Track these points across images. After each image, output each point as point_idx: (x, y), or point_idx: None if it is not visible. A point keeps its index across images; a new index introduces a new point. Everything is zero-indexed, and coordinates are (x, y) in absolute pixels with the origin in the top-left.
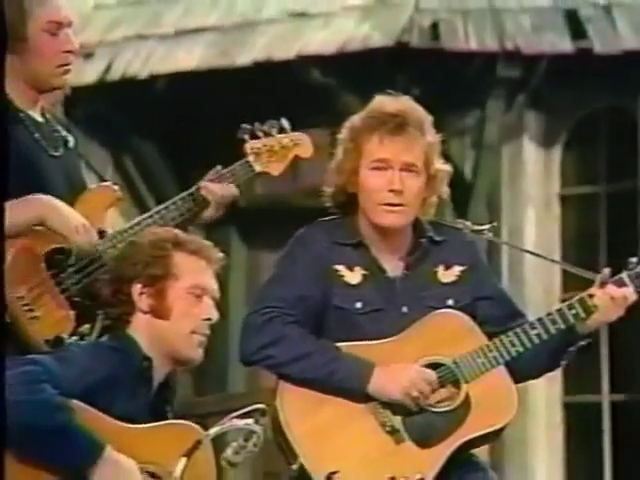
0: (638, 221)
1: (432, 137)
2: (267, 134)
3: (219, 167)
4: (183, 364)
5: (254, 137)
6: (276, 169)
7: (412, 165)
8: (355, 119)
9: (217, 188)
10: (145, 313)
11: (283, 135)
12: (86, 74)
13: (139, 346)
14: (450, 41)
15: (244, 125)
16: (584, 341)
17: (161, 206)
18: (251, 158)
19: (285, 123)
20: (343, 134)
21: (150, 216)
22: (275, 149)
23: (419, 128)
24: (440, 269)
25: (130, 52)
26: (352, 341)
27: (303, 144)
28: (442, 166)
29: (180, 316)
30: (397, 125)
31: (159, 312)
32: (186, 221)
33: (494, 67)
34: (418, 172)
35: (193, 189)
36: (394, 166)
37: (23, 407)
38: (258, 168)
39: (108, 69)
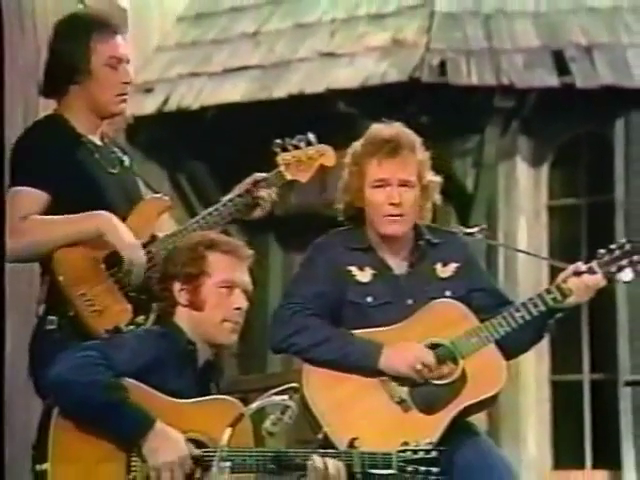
0: (613, 227)
1: (422, 155)
2: (296, 147)
3: (257, 173)
4: (219, 347)
5: (285, 150)
6: (304, 177)
7: (407, 181)
8: (356, 145)
9: (266, 193)
10: (184, 306)
11: (310, 147)
12: (147, 106)
13: (184, 332)
14: (455, 77)
15: (276, 140)
16: (560, 315)
17: (205, 211)
18: (282, 168)
19: (311, 137)
20: (347, 159)
21: (196, 221)
22: (303, 159)
23: (411, 149)
24: (438, 266)
25: (184, 87)
26: None
27: (327, 154)
28: (433, 178)
29: (212, 307)
30: (392, 149)
31: (195, 305)
32: (230, 221)
33: (492, 99)
34: (413, 185)
35: (241, 192)
36: (392, 183)
37: (82, 387)
38: (289, 176)
39: (166, 102)
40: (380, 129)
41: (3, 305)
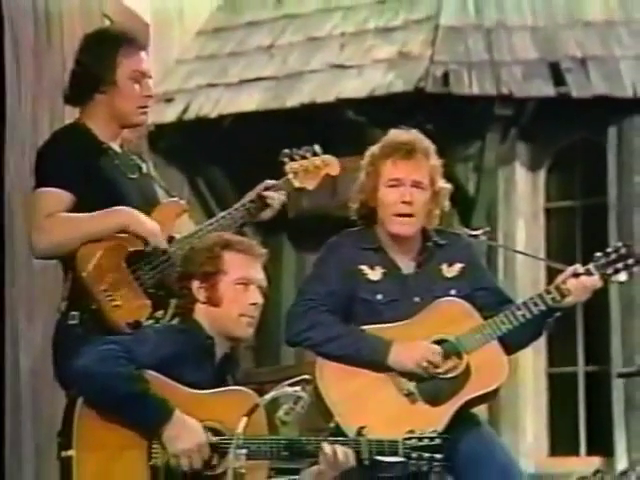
0: (606, 228)
1: (435, 161)
2: (303, 157)
3: (268, 180)
4: (236, 341)
5: (292, 159)
6: (311, 184)
7: (420, 183)
8: (374, 148)
9: (275, 195)
10: (203, 303)
11: (315, 157)
12: (167, 115)
13: (203, 328)
14: (457, 87)
15: (285, 150)
16: (559, 314)
17: (219, 215)
18: (290, 176)
19: (317, 148)
20: (364, 160)
21: (210, 224)
22: (309, 169)
23: (425, 154)
24: (444, 266)
25: (203, 97)
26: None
27: (332, 164)
28: (444, 184)
29: (229, 303)
30: (407, 151)
31: (213, 301)
32: (242, 224)
33: (492, 107)
34: (425, 188)
35: (253, 197)
36: (406, 183)
37: (105, 378)
38: (296, 184)
39: (185, 110)
40: (397, 134)
41: (3, 303)
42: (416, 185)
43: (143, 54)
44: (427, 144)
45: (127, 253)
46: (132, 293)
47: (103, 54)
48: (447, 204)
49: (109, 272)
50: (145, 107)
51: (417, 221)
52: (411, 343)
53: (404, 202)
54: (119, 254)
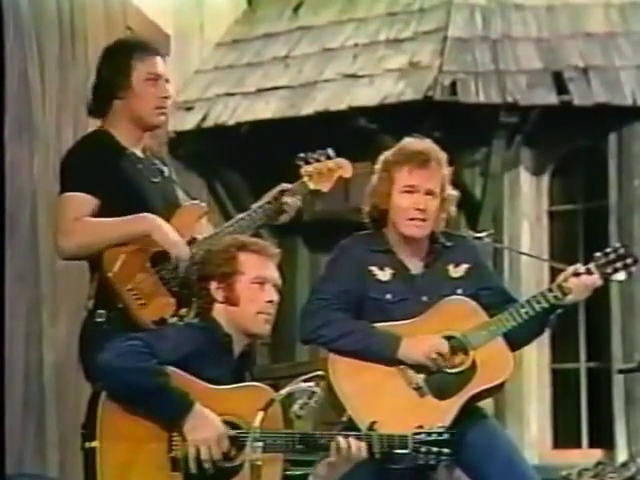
0: (607, 230)
1: (446, 170)
2: (317, 160)
3: (284, 184)
4: (254, 338)
5: (307, 163)
6: (325, 187)
7: (432, 191)
8: (387, 154)
9: (291, 200)
10: (221, 303)
11: (329, 160)
12: (187, 122)
13: (221, 326)
14: (465, 96)
15: (300, 154)
16: (560, 310)
17: (238, 216)
18: (305, 179)
19: (331, 151)
20: (378, 165)
21: (230, 225)
22: (323, 171)
23: (438, 163)
24: (451, 267)
25: (221, 105)
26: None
27: (345, 167)
28: (452, 192)
29: (247, 302)
30: (423, 160)
31: (231, 300)
32: (260, 225)
33: (498, 115)
34: (436, 196)
35: (270, 199)
36: (420, 191)
37: (129, 372)
38: (311, 186)
39: (204, 118)
40: (413, 142)
41: (3, 305)
42: (429, 193)
43: (158, 58)
44: (441, 154)
45: (152, 253)
46: (157, 292)
47: (117, 61)
48: (453, 209)
49: (134, 272)
50: (162, 108)
51: (429, 225)
52: (420, 337)
53: (417, 209)
54: (144, 255)
